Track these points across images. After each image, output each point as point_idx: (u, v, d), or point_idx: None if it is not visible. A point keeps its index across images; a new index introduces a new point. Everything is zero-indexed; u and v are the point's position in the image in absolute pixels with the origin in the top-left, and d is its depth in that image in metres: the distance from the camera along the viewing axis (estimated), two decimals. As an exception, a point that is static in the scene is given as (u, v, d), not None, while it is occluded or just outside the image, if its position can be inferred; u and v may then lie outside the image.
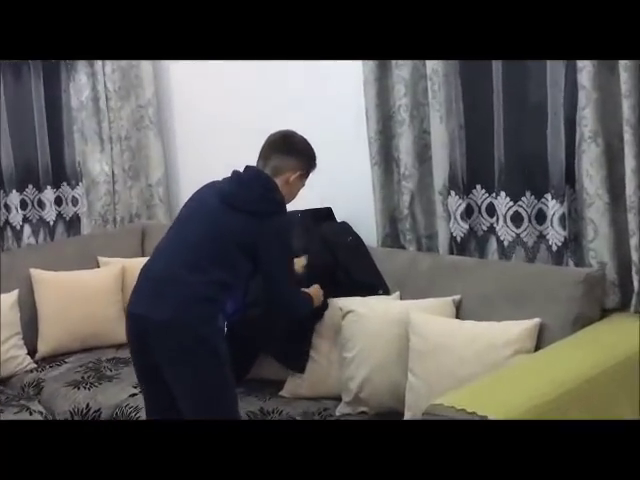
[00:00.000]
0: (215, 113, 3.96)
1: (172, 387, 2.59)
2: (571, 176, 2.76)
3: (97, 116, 4.06)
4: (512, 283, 2.78)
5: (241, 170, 2.75)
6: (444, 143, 3.01)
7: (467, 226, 3.06)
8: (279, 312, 2.83)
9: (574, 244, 2.82)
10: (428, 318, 2.73)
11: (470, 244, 3.11)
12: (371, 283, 3.12)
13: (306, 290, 2.88)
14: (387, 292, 3.09)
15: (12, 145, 3.89)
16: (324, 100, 3.49)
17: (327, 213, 3.38)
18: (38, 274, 3.72)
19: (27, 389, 3.35)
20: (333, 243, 3.22)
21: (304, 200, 2.94)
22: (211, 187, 2.77)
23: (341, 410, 2.84)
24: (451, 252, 3.11)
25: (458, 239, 3.07)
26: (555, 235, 2.79)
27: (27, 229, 4.05)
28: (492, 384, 2.24)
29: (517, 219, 2.92)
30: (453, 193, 3.04)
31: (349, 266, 3.16)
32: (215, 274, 2.57)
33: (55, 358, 3.58)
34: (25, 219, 4.04)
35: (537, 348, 2.58)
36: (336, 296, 3.05)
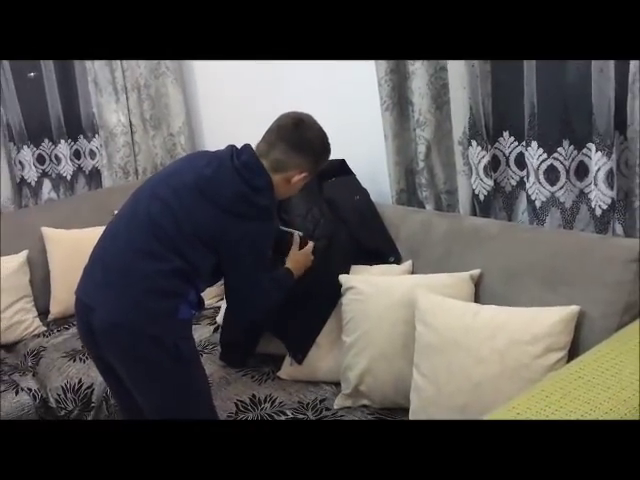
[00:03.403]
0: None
1: (128, 385, 1.83)
2: (622, 121, 1.79)
3: (110, 65, 3.22)
4: (545, 256, 1.86)
5: (239, 146, 1.88)
6: (464, 82, 2.06)
7: (492, 182, 2.13)
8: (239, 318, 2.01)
9: (624, 207, 1.87)
10: (439, 302, 1.85)
11: (496, 203, 2.18)
12: (381, 249, 2.24)
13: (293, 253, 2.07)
14: (398, 260, 2.21)
15: (19, 99, 3.10)
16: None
17: (340, 166, 2.48)
18: (49, 232, 2.97)
19: (28, 358, 2.64)
20: (338, 203, 2.34)
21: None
22: (192, 160, 1.91)
23: (340, 403, 2.01)
24: (473, 212, 2.19)
25: (481, 197, 2.14)
26: (600, 195, 1.84)
27: (47, 184, 3.29)
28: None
29: (552, 174, 1.98)
30: (475, 143, 2.10)
31: (356, 230, 2.28)
32: (173, 263, 1.75)
33: (66, 320, 2.85)
34: (44, 174, 3.28)
35: (573, 344, 1.69)
36: (342, 265, 2.19)
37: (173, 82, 3.36)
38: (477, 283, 1.95)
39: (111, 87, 3.25)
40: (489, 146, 2.12)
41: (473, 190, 2.15)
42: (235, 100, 3.15)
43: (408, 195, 2.42)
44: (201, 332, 2.62)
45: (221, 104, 3.30)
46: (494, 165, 2.15)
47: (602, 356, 1.45)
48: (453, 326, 1.77)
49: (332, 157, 2.47)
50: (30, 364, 2.60)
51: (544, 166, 1.96)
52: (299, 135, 1.84)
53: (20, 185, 3.23)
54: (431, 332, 1.80)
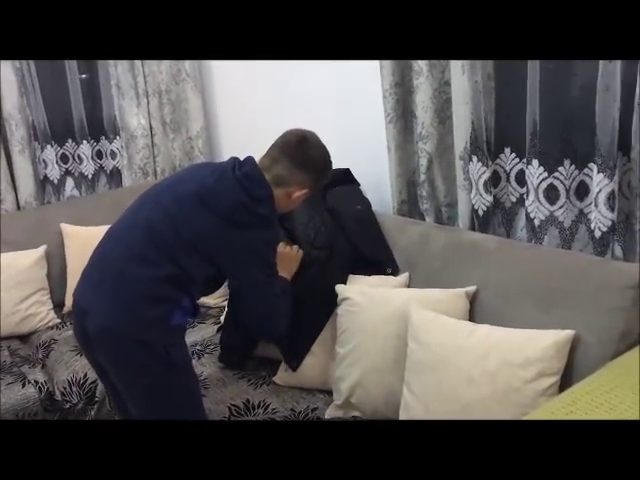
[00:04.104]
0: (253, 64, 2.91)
1: (119, 389, 1.69)
2: (625, 142, 1.60)
3: (132, 71, 3.07)
4: (542, 275, 1.67)
5: (241, 159, 1.74)
6: (467, 97, 1.88)
7: (491, 198, 1.94)
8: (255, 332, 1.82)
9: (625, 229, 1.68)
10: (432, 318, 1.67)
11: (495, 218, 2.00)
12: (378, 259, 2.07)
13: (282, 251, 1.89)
14: (395, 271, 2.04)
15: (44, 99, 2.96)
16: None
17: (344, 175, 2.31)
18: (68, 228, 2.84)
19: (39, 349, 2.51)
20: (339, 212, 2.17)
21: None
22: (196, 171, 1.76)
23: (331, 413, 1.85)
24: (472, 227, 2.01)
25: (480, 212, 1.96)
26: (600, 217, 1.65)
27: (70, 182, 3.16)
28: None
29: (552, 193, 1.79)
30: (475, 158, 1.92)
31: (355, 239, 2.11)
32: (167, 269, 1.60)
33: (79, 314, 2.72)
34: (67, 172, 3.15)
35: (567, 370, 1.51)
36: (340, 274, 2.03)
37: (193, 88, 3.20)
38: (472, 299, 1.77)
39: (133, 91, 3.10)
40: (490, 162, 1.93)
41: (473, 205, 1.97)
42: (251, 107, 3.00)
43: (409, 206, 2.24)
44: (205, 331, 2.47)
45: (238, 110, 3.14)
46: (494, 181, 1.96)
47: (596, 388, 1.27)
48: (445, 344, 1.60)
49: (337, 166, 2.33)
50: (40, 356, 2.46)
51: (544, 185, 1.78)
52: (302, 152, 1.70)
53: (43, 183, 3.09)
54: (423, 349, 1.63)
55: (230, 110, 3.23)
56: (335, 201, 2.22)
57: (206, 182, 1.65)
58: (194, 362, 2.20)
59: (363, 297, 1.85)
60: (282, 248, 1.92)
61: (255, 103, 2.95)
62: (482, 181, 1.92)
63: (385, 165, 2.22)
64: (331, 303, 1.96)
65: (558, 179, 1.75)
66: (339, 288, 1.93)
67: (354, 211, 2.17)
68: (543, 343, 1.50)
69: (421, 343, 1.63)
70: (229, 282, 1.73)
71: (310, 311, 1.99)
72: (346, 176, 2.31)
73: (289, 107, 2.73)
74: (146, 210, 1.68)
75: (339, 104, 2.47)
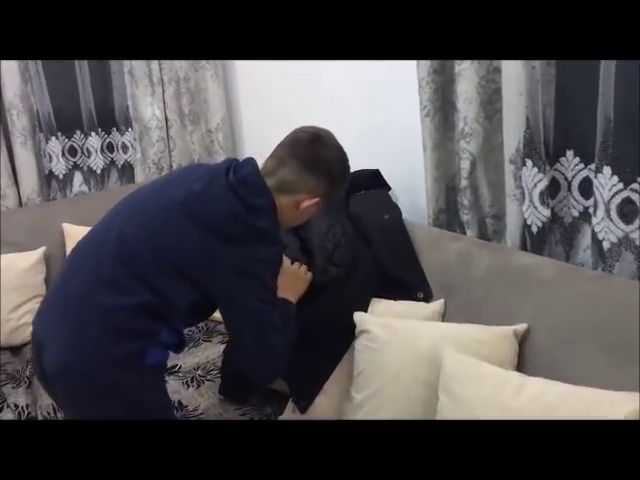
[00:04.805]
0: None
1: None
2: None
3: (146, 56, 2.78)
4: (612, 316, 1.30)
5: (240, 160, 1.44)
6: (520, 87, 1.51)
7: (548, 212, 1.57)
8: (246, 375, 1.48)
9: None
10: (471, 366, 1.32)
11: (551, 236, 1.63)
12: (408, 280, 1.72)
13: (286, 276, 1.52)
14: (428, 297, 1.69)
15: (48, 87, 2.70)
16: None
17: (372, 177, 1.97)
18: (70, 229, 2.57)
19: (29, 365, 2.24)
20: (364, 221, 1.84)
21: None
22: (187, 174, 1.43)
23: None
24: (523, 246, 1.64)
25: (534, 228, 1.59)
26: (693, 244, 1.27)
27: (78, 177, 2.90)
28: None
29: (628, 210, 1.41)
30: (530, 163, 1.55)
31: (381, 254, 1.77)
32: (140, 296, 1.29)
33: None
34: (76, 166, 2.89)
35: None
36: (361, 297, 1.69)
37: (213, 76, 2.90)
38: (522, 340, 1.41)
39: (147, 79, 2.81)
40: (548, 167, 1.56)
41: (525, 219, 1.60)
42: (277, 97, 2.67)
43: (448, 216, 1.88)
44: (210, 351, 2.16)
45: (263, 101, 2.82)
46: (553, 191, 1.59)
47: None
48: (486, 402, 1.25)
49: (365, 167, 1.99)
50: (28, 373, 2.19)
51: (618, 198, 1.40)
52: (315, 153, 1.38)
53: (48, 178, 2.83)
54: (457, 406, 1.28)
55: (254, 101, 2.91)
56: (360, 207, 1.88)
57: (194, 188, 1.34)
58: (191, 391, 1.92)
59: (385, 330, 1.51)
60: (286, 262, 1.60)
61: (281, 93, 2.62)
62: (537, 190, 1.55)
63: (420, 166, 1.87)
64: (350, 332, 1.63)
65: (637, 192, 1.37)
66: (357, 317, 1.59)
67: (382, 220, 1.83)
68: (616, 411, 1.13)
69: (455, 398, 1.29)
70: (220, 311, 1.41)
71: (324, 342, 1.66)
72: (375, 178, 1.97)
73: (317, 97, 2.39)
74: (120, 221, 1.37)
75: (371, 95, 2.12)
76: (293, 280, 1.58)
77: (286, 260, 1.60)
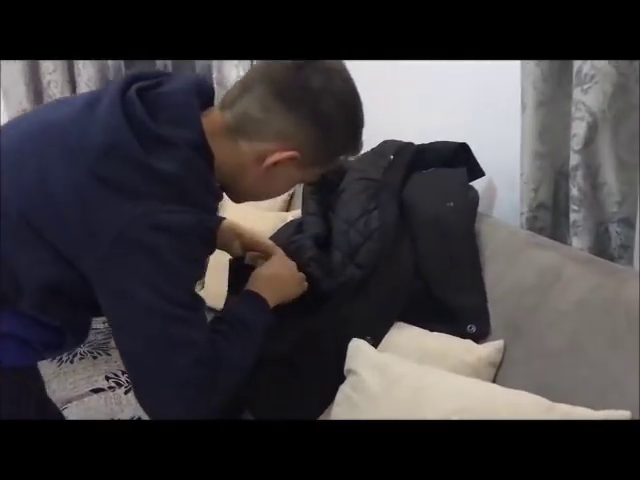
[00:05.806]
0: None
1: None
2: None
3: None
4: None
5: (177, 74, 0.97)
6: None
7: None
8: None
9: None
10: None
11: None
12: (458, 305, 1.08)
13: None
14: (482, 333, 1.03)
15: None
16: None
17: (452, 153, 1.34)
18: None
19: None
20: (416, 210, 1.22)
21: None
22: (84, 94, 0.93)
23: None
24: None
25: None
26: None
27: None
28: None
29: None
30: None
31: (425, 260, 1.14)
32: None
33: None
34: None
35: None
36: (381, 315, 1.09)
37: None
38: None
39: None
40: None
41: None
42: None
43: (554, 215, 1.20)
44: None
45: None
46: None
47: None
48: None
49: (447, 138, 1.39)
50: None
51: None
52: (299, 77, 0.85)
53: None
54: None
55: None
56: (418, 189, 1.27)
57: (83, 108, 0.84)
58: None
59: (379, 379, 0.89)
60: (279, 251, 1.05)
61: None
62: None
63: (517, 136, 1.21)
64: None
65: None
66: (353, 347, 0.99)
67: (440, 210, 1.19)
68: None
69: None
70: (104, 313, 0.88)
71: (320, 372, 1.09)
72: (455, 155, 1.34)
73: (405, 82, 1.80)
74: None
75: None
76: (282, 278, 1.03)
77: (279, 250, 1.06)
